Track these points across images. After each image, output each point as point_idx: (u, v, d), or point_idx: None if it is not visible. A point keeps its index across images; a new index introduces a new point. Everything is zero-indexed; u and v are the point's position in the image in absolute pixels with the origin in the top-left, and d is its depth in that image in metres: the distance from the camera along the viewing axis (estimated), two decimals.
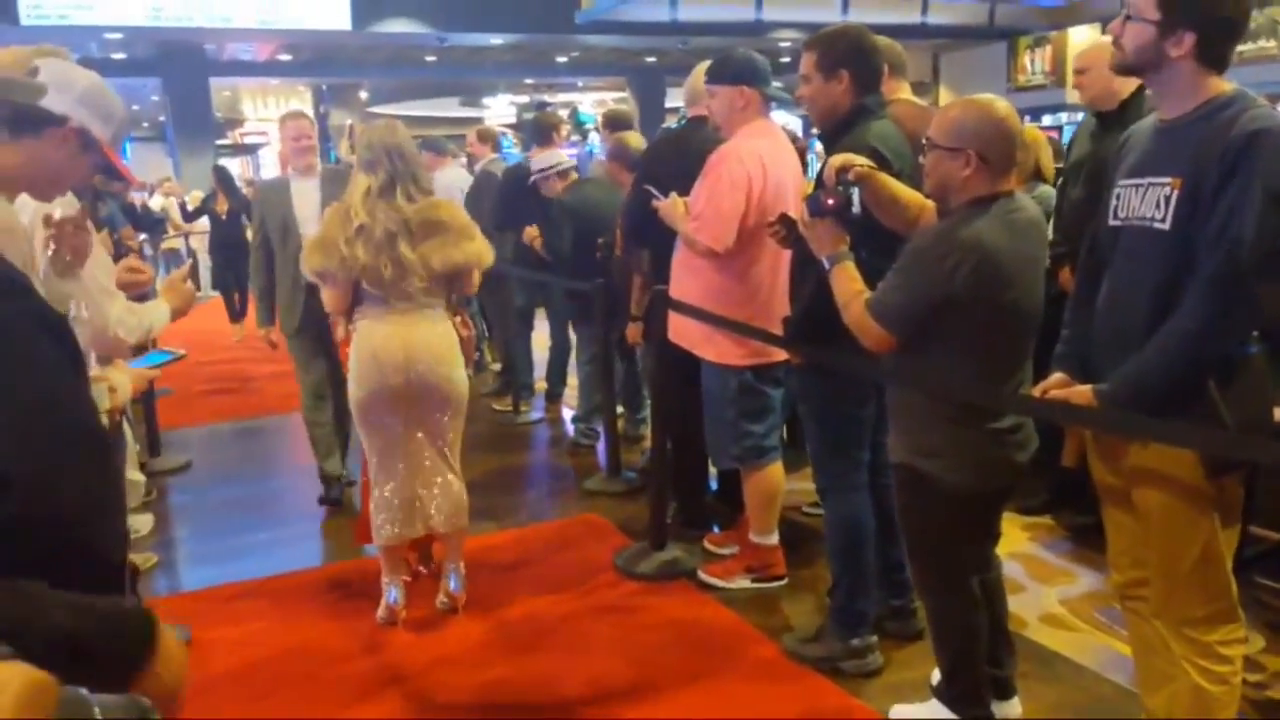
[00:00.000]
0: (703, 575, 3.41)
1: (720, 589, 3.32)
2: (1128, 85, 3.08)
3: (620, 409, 4.90)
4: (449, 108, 23.24)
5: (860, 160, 2.30)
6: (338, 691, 2.77)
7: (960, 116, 2.16)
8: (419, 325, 3.01)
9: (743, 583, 3.34)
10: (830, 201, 2.24)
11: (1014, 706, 2.49)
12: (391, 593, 3.17)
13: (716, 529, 3.79)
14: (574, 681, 2.79)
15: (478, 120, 22.59)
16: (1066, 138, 7.14)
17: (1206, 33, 1.83)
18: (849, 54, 2.63)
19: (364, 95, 22.31)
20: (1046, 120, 13.67)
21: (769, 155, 3.05)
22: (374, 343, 2.99)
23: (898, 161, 2.55)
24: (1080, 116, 14.01)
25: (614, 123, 4.87)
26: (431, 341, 3.03)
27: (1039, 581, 3.26)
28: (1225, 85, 1.88)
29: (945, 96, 15.76)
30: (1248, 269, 1.77)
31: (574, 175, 5.01)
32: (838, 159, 2.31)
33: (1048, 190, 3.71)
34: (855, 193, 2.24)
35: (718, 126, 3.22)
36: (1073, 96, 14.83)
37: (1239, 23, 1.86)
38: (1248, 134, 1.76)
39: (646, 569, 3.47)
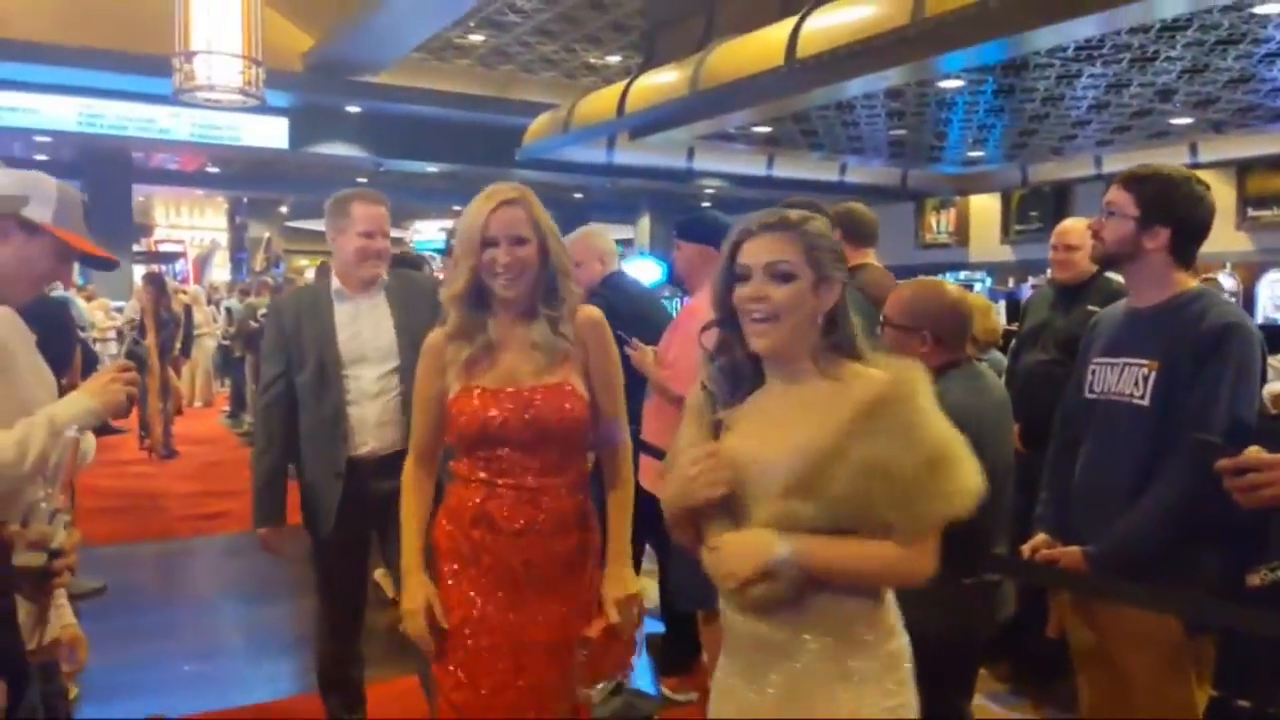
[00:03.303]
0: None
1: None
2: (1092, 266, 3.37)
3: None
4: None
5: None
6: None
7: (914, 298, 2.37)
8: None
9: None
10: None
11: None
12: None
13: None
14: None
15: (400, 241, 22.66)
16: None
17: (1179, 229, 2.06)
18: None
19: (284, 209, 22.25)
20: (948, 276, 14.55)
21: None
22: None
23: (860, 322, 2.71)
24: (980, 274, 14.96)
25: None
26: None
27: None
28: (1191, 281, 2.11)
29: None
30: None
31: None
32: None
33: (997, 355, 3.95)
34: None
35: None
36: (974, 255, 16.02)
37: (1206, 223, 2.10)
38: (1221, 326, 1.98)
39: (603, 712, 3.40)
